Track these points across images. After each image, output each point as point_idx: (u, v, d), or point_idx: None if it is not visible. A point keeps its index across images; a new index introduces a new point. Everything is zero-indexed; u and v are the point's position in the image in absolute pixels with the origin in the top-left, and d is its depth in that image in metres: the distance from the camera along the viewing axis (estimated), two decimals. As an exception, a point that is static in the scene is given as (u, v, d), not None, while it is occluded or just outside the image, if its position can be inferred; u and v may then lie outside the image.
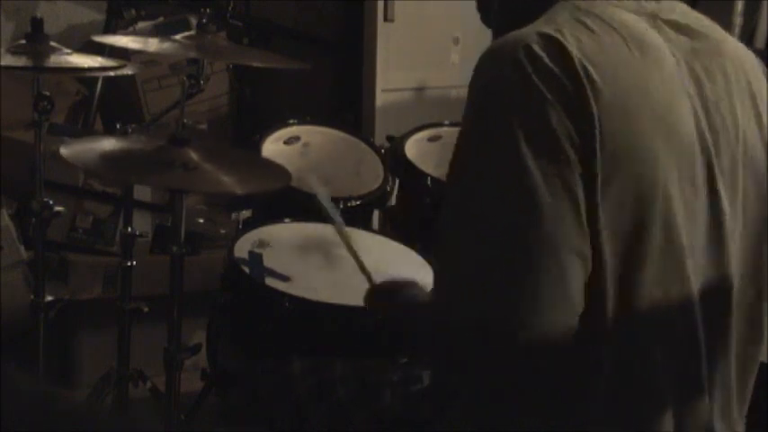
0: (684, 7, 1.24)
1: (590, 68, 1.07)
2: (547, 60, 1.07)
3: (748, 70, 1.25)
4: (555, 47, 1.08)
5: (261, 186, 1.98)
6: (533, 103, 1.05)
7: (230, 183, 1.81)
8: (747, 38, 3.38)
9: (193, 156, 1.80)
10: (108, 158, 1.83)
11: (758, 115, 1.24)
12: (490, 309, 1.05)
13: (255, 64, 2.49)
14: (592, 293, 1.08)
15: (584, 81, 1.06)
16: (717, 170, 1.17)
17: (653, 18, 1.18)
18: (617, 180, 1.07)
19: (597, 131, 1.06)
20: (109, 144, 1.91)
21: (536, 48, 1.07)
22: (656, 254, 1.11)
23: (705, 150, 1.16)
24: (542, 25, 1.12)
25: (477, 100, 1.11)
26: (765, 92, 1.27)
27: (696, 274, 1.16)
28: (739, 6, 3.22)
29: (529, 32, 1.10)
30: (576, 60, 1.07)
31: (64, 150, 1.76)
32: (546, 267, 1.03)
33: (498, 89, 1.09)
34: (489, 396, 1.17)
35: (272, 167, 2.05)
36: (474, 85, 1.12)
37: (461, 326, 1.09)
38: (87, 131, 3.16)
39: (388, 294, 1.50)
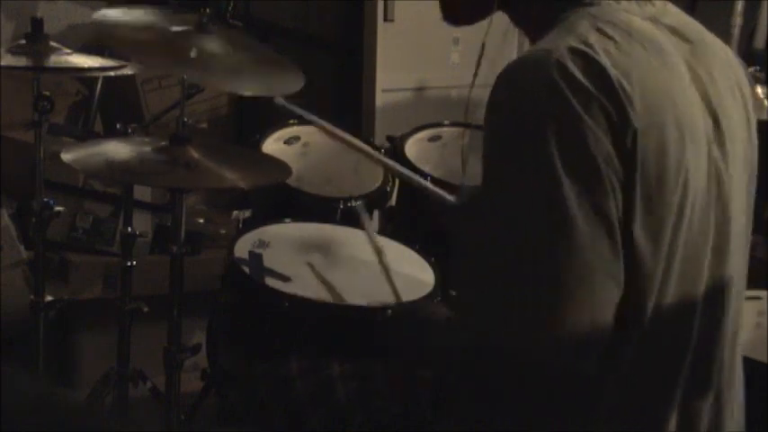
0: (673, 8, 1.23)
1: (625, 84, 1.06)
2: (583, 79, 1.04)
3: (735, 70, 1.25)
4: (590, 64, 1.05)
5: (262, 181, 1.98)
6: (570, 127, 1.03)
7: (232, 179, 1.81)
8: (747, 38, 3.38)
9: (194, 154, 1.81)
10: (109, 160, 1.83)
11: (747, 115, 1.24)
12: (520, 330, 1.05)
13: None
14: (632, 305, 1.08)
15: (624, 99, 1.05)
16: (723, 172, 1.17)
17: (655, 22, 1.18)
18: (656, 194, 1.07)
19: (639, 149, 1.05)
20: (110, 147, 1.92)
21: (570, 65, 1.05)
22: (679, 261, 1.12)
23: (713, 156, 1.16)
24: (566, 37, 1.09)
25: (510, 122, 1.08)
26: (749, 91, 1.27)
27: (702, 276, 1.17)
28: (739, 6, 3.22)
29: (558, 47, 1.07)
30: (614, 78, 1.05)
31: (65, 155, 1.76)
32: (578, 293, 1.03)
33: (533, 111, 1.06)
34: (498, 400, 1.17)
35: (273, 162, 2.05)
36: (501, 103, 1.09)
37: (493, 343, 1.09)
38: (87, 131, 3.16)
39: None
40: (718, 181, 1.17)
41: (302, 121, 2.57)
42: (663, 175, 1.08)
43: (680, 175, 1.09)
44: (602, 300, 1.05)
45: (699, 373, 1.18)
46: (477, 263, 1.12)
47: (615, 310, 1.06)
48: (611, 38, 1.10)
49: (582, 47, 1.07)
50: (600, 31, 1.10)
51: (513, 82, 1.09)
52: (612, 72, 1.06)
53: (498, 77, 1.10)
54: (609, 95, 1.05)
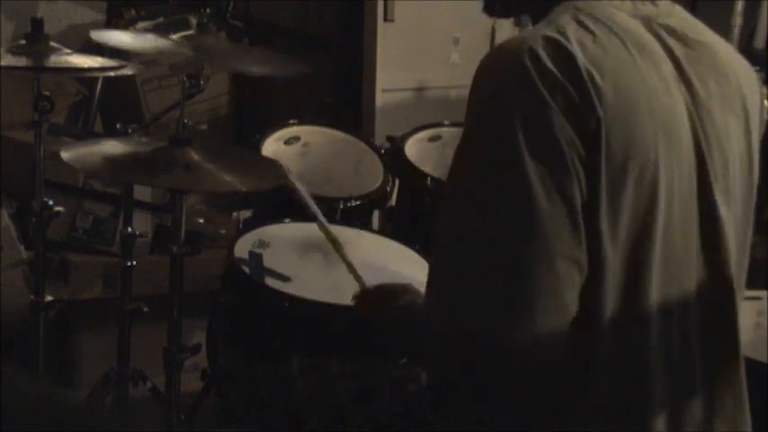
0: (680, 11, 1.24)
1: (595, 74, 1.07)
2: (552, 66, 1.06)
3: (740, 76, 1.25)
4: (560, 52, 1.08)
5: (261, 184, 1.98)
6: (536, 110, 1.05)
7: (231, 181, 1.81)
8: (747, 38, 3.39)
9: (194, 156, 1.81)
10: (109, 160, 1.83)
11: (747, 121, 1.24)
12: (483, 313, 1.06)
13: (255, 71, 2.46)
14: (590, 296, 1.08)
15: (590, 87, 1.07)
16: (711, 174, 1.17)
17: (648, 21, 1.19)
18: (621, 185, 1.08)
19: (603, 136, 1.06)
20: (110, 146, 1.92)
21: (541, 52, 1.07)
22: (657, 257, 1.12)
23: (699, 154, 1.17)
24: (545, 28, 1.12)
25: (481, 103, 1.11)
26: (756, 97, 1.27)
27: (690, 276, 1.17)
28: (739, 6, 3.22)
29: (533, 36, 1.10)
30: (582, 66, 1.07)
31: (65, 154, 1.76)
32: (540, 274, 1.04)
33: (502, 94, 1.08)
34: (486, 398, 1.17)
35: (272, 165, 2.05)
36: (477, 86, 1.12)
37: (456, 329, 1.09)
38: (87, 131, 3.16)
39: (384, 300, 1.45)
40: (702, 183, 1.17)
41: (302, 122, 2.57)
42: (628, 166, 1.08)
43: (648, 170, 1.10)
44: (563, 282, 1.05)
45: (682, 373, 1.18)
46: (441, 240, 1.13)
47: (578, 297, 1.06)
48: (590, 31, 1.12)
49: (556, 36, 1.10)
50: (580, 23, 1.13)
51: (490, 64, 1.12)
52: (582, 61, 1.08)
53: (482, 59, 1.13)
54: (575, 82, 1.07)
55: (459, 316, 1.09)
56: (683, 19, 1.23)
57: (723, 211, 1.19)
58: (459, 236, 1.10)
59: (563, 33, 1.10)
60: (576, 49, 1.08)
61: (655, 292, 1.13)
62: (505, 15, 1.36)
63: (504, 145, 1.06)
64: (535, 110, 1.05)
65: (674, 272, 1.15)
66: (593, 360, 1.11)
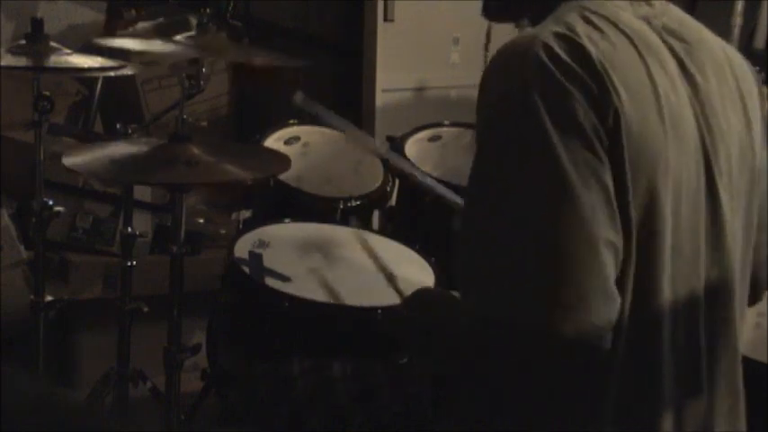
0: (674, 10, 1.25)
1: (608, 68, 1.08)
2: (567, 59, 1.07)
3: (737, 71, 1.26)
4: (573, 46, 1.08)
5: (264, 173, 1.98)
6: (559, 99, 1.05)
7: (234, 173, 1.80)
8: (747, 38, 3.38)
9: (195, 151, 1.81)
10: (111, 160, 1.83)
11: (747, 116, 1.24)
12: (532, 306, 1.03)
13: (256, 62, 2.47)
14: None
15: (605, 79, 1.07)
16: (715, 170, 1.18)
17: (647, 21, 1.19)
18: (636, 180, 1.08)
19: (623, 129, 1.06)
20: (110, 149, 1.92)
21: (555, 47, 1.07)
22: (666, 254, 1.12)
23: (704, 151, 1.17)
24: (553, 25, 1.12)
25: (501, 100, 1.10)
26: (754, 93, 1.28)
27: (698, 274, 1.17)
28: (739, 6, 3.22)
29: (543, 32, 1.10)
30: (596, 60, 1.07)
31: (66, 160, 1.76)
32: (586, 260, 1.02)
33: (523, 87, 1.07)
34: (523, 394, 1.16)
35: (273, 155, 2.05)
36: (491, 85, 1.11)
37: (501, 324, 1.06)
38: (87, 131, 3.16)
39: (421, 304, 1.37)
40: (709, 180, 1.17)
41: (302, 122, 2.57)
42: (641, 162, 1.08)
43: (659, 167, 1.10)
44: (608, 268, 1.04)
45: (688, 372, 1.18)
46: (475, 235, 1.10)
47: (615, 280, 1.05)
48: (597, 28, 1.12)
49: (566, 32, 1.10)
50: (587, 20, 1.13)
51: (501, 63, 1.12)
52: (596, 56, 1.08)
53: (489, 61, 1.13)
54: (592, 75, 1.07)
55: (506, 313, 1.05)
56: (678, 18, 1.24)
57: (727, 209, 1.19)
58: (496, 229, 1.07)
59: (572, 30, 1.10)
60: (588, 44, 1.09)
61: (667, 291, 1.13)
62: (504, 19, 1.36)
63: (535, 135, 1.05)
64: (557, 99, 1.05)
65: (683, 271, 1.15)
66: (613, 358, 1.11)
